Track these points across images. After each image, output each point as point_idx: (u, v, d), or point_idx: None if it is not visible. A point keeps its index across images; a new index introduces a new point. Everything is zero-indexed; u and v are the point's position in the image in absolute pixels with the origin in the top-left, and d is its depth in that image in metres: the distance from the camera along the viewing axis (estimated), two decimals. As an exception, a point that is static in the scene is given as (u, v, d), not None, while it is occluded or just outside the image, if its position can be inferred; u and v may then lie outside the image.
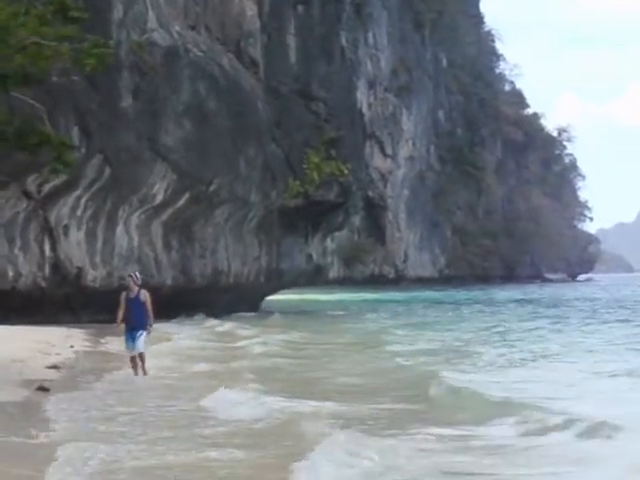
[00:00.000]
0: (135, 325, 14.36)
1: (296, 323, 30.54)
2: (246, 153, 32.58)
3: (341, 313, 40.50)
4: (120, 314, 14.44)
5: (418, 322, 32.34)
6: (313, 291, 59.12)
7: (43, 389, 12.47)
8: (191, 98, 30.09)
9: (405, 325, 30.19)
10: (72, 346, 19.41)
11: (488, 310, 41.81)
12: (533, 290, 78.84)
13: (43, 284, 26.86)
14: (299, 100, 36.00)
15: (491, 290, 77.41)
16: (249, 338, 22.33)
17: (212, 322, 29.17)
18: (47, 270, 26.95)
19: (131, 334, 14.40)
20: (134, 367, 14.56)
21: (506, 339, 23.43)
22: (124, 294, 14.56)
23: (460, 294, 67.47)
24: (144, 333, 14.41)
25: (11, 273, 25.88)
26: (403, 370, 15.40)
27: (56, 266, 27.20)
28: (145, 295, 14.47)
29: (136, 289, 14.50)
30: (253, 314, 35.14)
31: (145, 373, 14.58)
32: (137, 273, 15.21)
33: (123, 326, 14.55)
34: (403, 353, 18.38)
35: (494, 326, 28.83)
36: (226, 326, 27.34)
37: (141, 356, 14.55)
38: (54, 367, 15.28)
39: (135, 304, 14.36)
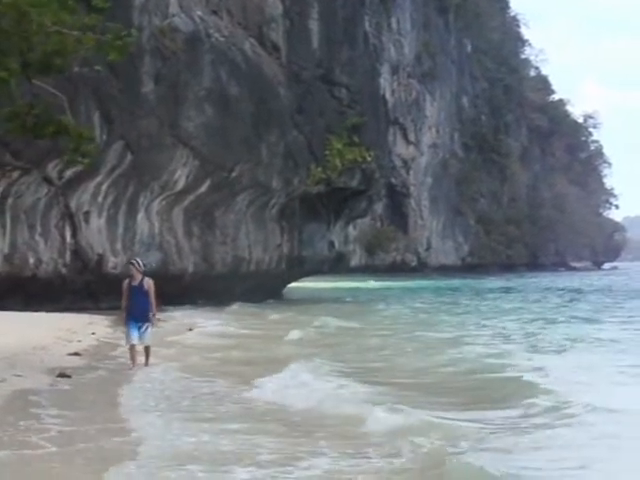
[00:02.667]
0: (139, 316, 13.61)
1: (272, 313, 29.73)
2: (268, 139, 32.35)
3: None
4: (124, 303, 13.72)
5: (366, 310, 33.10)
6: (336, 279, 58.89)
7: (64, 376, 12.45)
8: (212, 84, 29.89)
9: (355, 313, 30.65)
10: (93, 333, 19.39)
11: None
12: (532, 279, 77.95)
13: (64, 271, 26.86)
14: (321, 86, 35.67)
15: (494, 279, 76.86)
16: (199, 327, 22.08)
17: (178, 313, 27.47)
18: (68, 257, 26.95)
19: (136, 324, 13.65)
20: (132, 357, 13.78)
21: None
22: (126, 282, 13.82)
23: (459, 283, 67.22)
24: (150, 325, 13.73)
25: (32, 260, 25.91)
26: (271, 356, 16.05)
27: (77, 253, 27.20)
28: (149, 283, 13.72)
29: (139, 277, 13.74)
30: (271, 300, 34.84)
31: (147, 364, 13.87)
32: (139, 260, 14.38)
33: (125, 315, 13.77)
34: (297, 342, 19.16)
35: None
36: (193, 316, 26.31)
37: (147, 349, 13.92)
38: (75, 354, 15.24)
39: (138, 293, 13.62)
